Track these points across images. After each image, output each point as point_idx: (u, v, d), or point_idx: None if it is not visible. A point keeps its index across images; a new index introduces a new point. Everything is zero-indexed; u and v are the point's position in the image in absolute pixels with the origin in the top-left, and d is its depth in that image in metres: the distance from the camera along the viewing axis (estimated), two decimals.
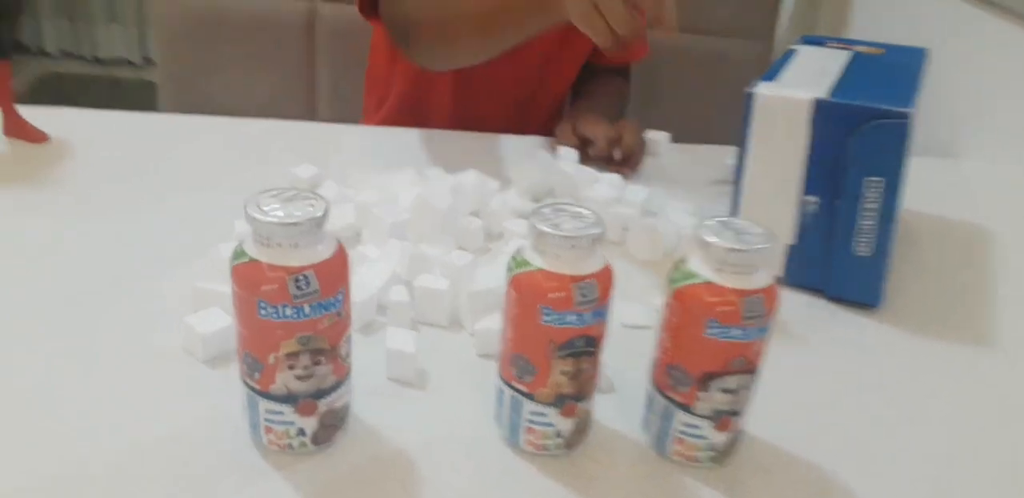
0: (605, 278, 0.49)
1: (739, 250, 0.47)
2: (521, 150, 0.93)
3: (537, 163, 0.83)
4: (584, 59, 1.12)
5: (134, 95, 2.93)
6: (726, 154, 0.85)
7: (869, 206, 0.67)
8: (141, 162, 0.87)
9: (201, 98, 1.27)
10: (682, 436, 0.52)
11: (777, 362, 0.62)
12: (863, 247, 0.68)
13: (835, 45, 0.81)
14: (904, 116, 0.64)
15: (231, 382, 0.52)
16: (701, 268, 0.49)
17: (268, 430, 0.51)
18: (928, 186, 0.89)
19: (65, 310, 0.63)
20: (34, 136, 0.89)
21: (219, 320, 0.59)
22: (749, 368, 0.50)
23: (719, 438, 0.51)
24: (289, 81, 1.30)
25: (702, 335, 0.48)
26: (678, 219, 0.80)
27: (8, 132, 0.88)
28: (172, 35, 1.28)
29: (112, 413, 0.54)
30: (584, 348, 0.49)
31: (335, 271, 0.48)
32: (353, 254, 0.71)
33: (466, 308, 0.63)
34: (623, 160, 0.91)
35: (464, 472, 0.52)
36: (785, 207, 0.70)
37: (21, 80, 2.99)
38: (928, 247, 0.83)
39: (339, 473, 0.51)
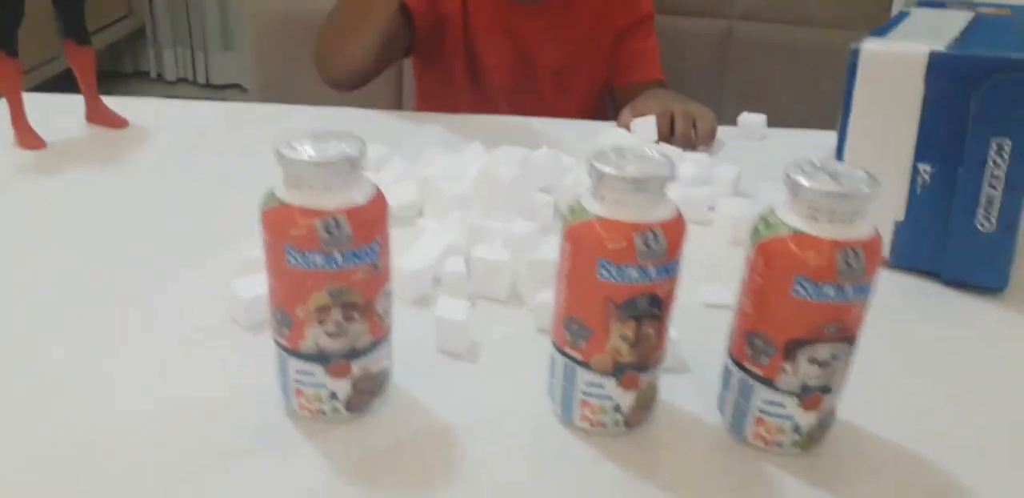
0: (675, 228, 0.43)
1: (836, 194, 0.40)
2: (596, 131, 0.87)
3: (617, 139, 0.77)
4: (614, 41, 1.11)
5: None
6: (830, 137, 0.77)
7: (995, 173, 0.58)
8: (215, 146, 0.86)
9: (293, 99, 1.26)
10: (763, 415, 0.44)
11: (885, 349, 0.54)
12: (987, 221, 0.59)
13: (956, 7, 0.72)
14: None
15: (271, 349, 0.48)
16: (790, 216, 0.42)
17: (299, 393, 0.47)
18: None
19: (124, 277, 0.61)
20: (114, 122, 0.89)
21: (263, 286, 0.55)
22: (845, 336, 0.42)
23: (806, 419, 0.44)
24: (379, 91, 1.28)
25: (789, 295, 0.41)
26: (771, 199, 0.73)
27: (91, 118, 0.89)
28: (263, 36, 1.29)
29: (149, 378, 0.51)
30: (648, 309, 0.43)
31: (371, 218, 0.44)
32: (413, 229, 0.67)
33: (525, 279, 0.58)
34: (681, 139, 0.87)
35: (511, 450, 0.46)
36: (895, 178, 0.62)
37: None
38: None
39: (374, 444, 0.46)
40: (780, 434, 0.45)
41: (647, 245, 0.42)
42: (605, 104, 1.15)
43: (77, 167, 0.79)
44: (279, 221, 0.43)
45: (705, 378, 0.51)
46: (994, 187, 0.58)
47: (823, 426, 0.45)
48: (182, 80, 3.37)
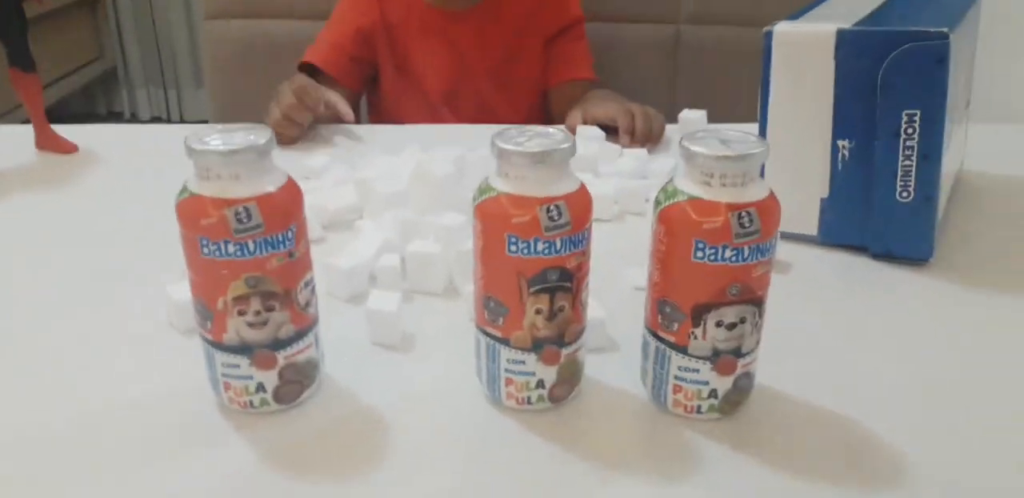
0: (579, 201, 0.44)
1: (725, 157, 0.41)
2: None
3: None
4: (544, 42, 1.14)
5: None
6: None
7: (908, 144, 0.59)
8: (162, 167, 0.87)
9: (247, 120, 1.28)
10: (679, 383, 0.45)
11: (817, 321, 0.55)
12: (906, 192, 0.61)
13: None
14: (941, 36, 0.57)
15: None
16: (686, 183, 0.43)
17: (227, 387, 0.47)
18: (991, 150, 0.80)
19: (69, 285, 0.62)
20: (63, 147, 0.90)
21: None
22: (750, 298, 0.43)
23: (722, 383, 0.45)
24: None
25: (690, 259, 0.42)
26: None
27: (40, 145, 0.90)
28: (221, 62, 1.30)
29: (85, 377, 0.52)
30: (558, 282, 0.44)
31: (282, 205, 0.45)
32: (351, 232, 0.68)
33: (459, 270, 0.58)
34: (642, 137, 0.88)
35: (441, 433, 0.47)
36: (816, 155, 0.63)
37: None
38: (989, 204, 0.74)
39: (304, 433, 0.47)
40: (698, 400, 0.45)
41: (551, 218, 0.43)
42: (546, 102, 1.17)
43: (26, 191, 0.80)
44: (191, 212, 0.44)
45: (633, 356, 0.52)
46: (909, 158, 0.60)
47: (740, 390, 0.46)
48: (156, 119, 3.39)
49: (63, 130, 0.91)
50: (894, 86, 0.59)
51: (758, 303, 0.44)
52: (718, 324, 0.43)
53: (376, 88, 1.17)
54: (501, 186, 0.44)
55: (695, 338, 0.44)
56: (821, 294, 0.61)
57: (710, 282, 0.42)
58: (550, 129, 0.45)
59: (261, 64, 1.29)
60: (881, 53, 0.58)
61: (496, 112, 1.14)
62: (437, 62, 1.12)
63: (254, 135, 0.44)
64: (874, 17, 0.63)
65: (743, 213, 0.41)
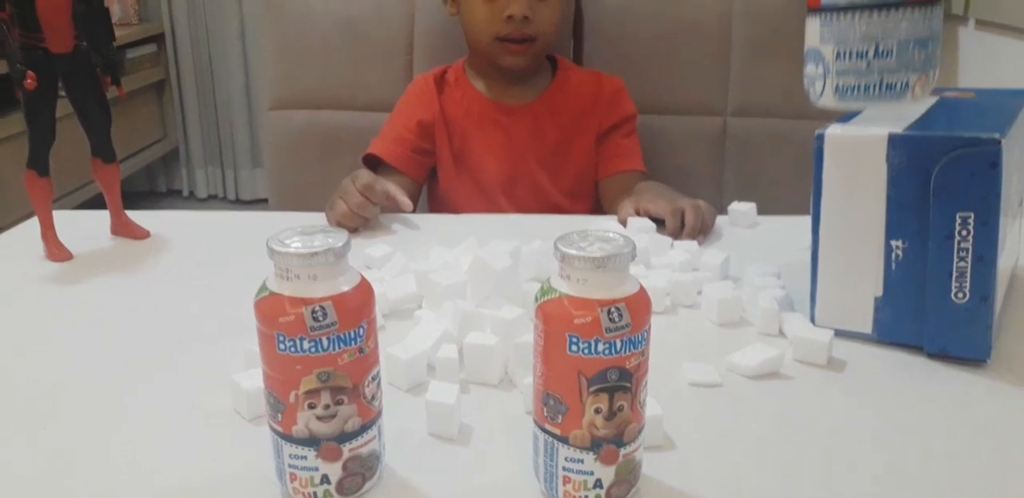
0: (638, 303, 0.45)
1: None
2: (590, 224, 0.91)
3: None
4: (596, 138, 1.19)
5: None
6: None
7: (963, 245, 0.60)
8: (229, 253, 0.91)
9: (306, 208, 1.33)
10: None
11: (872, 420, 0.55)
12: (961, 293, 0.61)
13: None
14: (993, 142, 0.59)
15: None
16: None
17: (292, 477, 0.48)
18: None
19: (136, 370, 0.65)
20: (137, 233, 0.95)
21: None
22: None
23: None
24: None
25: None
26: (758, 282, 0.75)
27: (115, 231, 0.95)
28: (281, 150, 1.36)
29: (152, 465, 0.53)
30: (618, 382, 0.45)
31: (356, 304, 0.47)
32: (411, 321, 0.70)
33: (515, 362, 0.60)
34: (691, 231, 0.90)
35: None
36: (869, 254, 0.64)
37: None
38: None
39: None
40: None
41: (612, 320, 0.44)
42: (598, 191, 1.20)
43: (100, 275, 0.84)
44: (270, 310, 0.46)
45: (690, 455, 0.53)
46: (964, 259, 0.60)
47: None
48: (213, 197, 3.51)
49: (136, 215, 0.96)
50: (947, 189, 0.60)
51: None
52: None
53: (435, 177, 1.21)
54: (563, 288, 0.45)
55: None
56: (876, 393, 0.60)
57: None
58: (610, 233, 0.47)
59: (320, 152, 1.35)
60: (933, 157, 0.60)
61: (550, 199, 1.17)
62: (494, 152, 1.16)
63: (332, 238, 0.47)
64: (924, 121, 0.65)
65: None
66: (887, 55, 0.43)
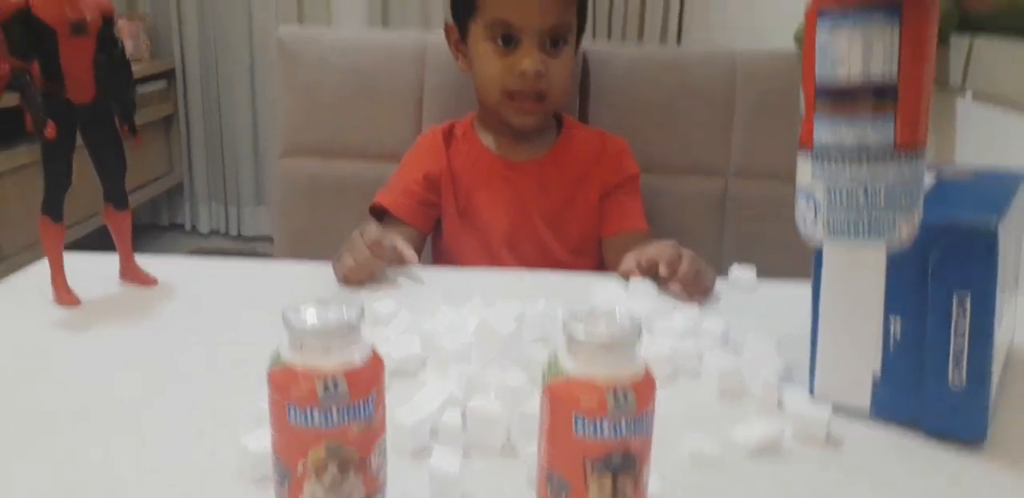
0: (644, 385, 0.46)
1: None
2: (591, 283, 0.93)
3: (610, 294, 0.82)
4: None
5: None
6: None
7: (960, 326, 0.62)
8: (237, 302, 0.92)
9: (313, 255, 1.34)
10: None
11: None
12: (958, 373, 0.62)
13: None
14: (989, 228, 0.60)
15: None
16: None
17: None
18: None
19: (140, 422, 0.65)
20: (145, 280, 0.96)
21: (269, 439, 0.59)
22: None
23: None
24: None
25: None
26: (759, 351, 0.76)
27: (124, 276, 0.96)
28: (290, 198, 1.38)
29: None
30: (622, 464, 0.46)
31: (367, 376, 0.48)
32: (415, 382, 0.71)
33: (519, 431, 0.61)
34: (690, 285, 0.91)
35: None
36: (868, 329, 0.66)
37: (175, 254, 3.29)
38: None
39: None
40: None
41: (618, 403, 0.45)
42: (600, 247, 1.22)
43: (107, 323, 0.85)
44: (283, 381, 0.47)
45: None
46: (961, 341, 0.62)
47: None
48: (215, 232, 3.53)
49: (145, 260, 0.97)
50: (944, 272, 0.61)
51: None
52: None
53: (439, 228, 1.23)
54: (570, 368, 0.47)
55: None
56: (873, 471, 0.61)
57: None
58: (617, 314, 0.48)
59: (328, 200, 1.37)
60: (931, 243, 0.61)
61: (553, 255, 1.19)
62: (498, 207, 1.18)
63: (346, 311, 0.48)
64: (924, 205, 0.67)
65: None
66: (875, 198, 0.45)
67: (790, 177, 1.32)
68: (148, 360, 0.77)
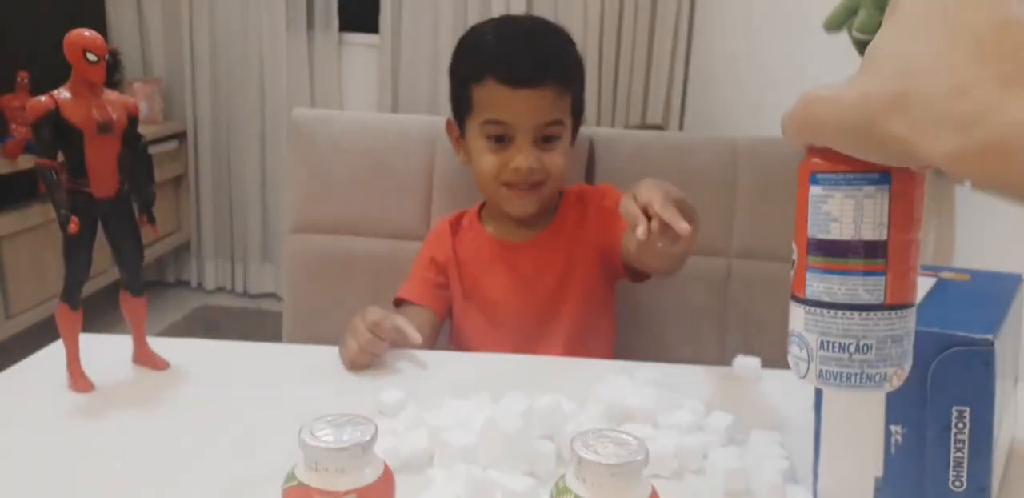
0: None
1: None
2: (601, 372, 0.94)
3: (615, 386, 0.83)
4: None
5: (273, 324, 3.17)
6: None
7: (960, 437, 0.63)
8: (248, 387, 0.93)
9: (322, 330, 1.36)
10: None
11: None
12: (958, 482, 0.63)
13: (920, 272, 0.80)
14: (985, 343, 0.62)
15: None
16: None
17: None
18: None
19: None
20: (157, 364, 0.97)
21: None
22: None
23: None
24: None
25: None
26: (763, 449, 0.77)
27: (137, 360, 0.98)
28: (300, 272, 1.41)
29: None
30: None
31: (379, 495, 0.49)
32: (422, 478, 0.72)
33: None
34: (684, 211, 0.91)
35: None
36: (870, 437, 0.67)
37: (180, 311, 3.30)
38: None
39: None
40: None
41: None
42: (607, 299, 1.24)
43: (121, 408, 0.86)
44: None
45: None
46: (960, 450, 0.63)
47: None
48: (220, 289, 3.55)
49: (157, 342, 0.99)
50: (943, 384, 0.63)
51: None
52: None
53: (452, 312, 1.26)
54: (578, 490, 0.48)
55: None
56: None
57: None
58: (625, 436, 0.50)
59: (337, 274, 1.39)
60: (929, 354, 0.63)
61: (558, 329, 1.20)
62: (499, 287, 1.21)
63: (361, 430, 0.49)
64: (921, 313, 0.68)
65: None
66: (867, 350, 0.47)
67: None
68: (160, 448, 0.78)
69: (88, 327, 0.92)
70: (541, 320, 1.22)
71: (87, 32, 0.85)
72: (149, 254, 3.20)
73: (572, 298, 1.23)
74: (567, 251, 1.22)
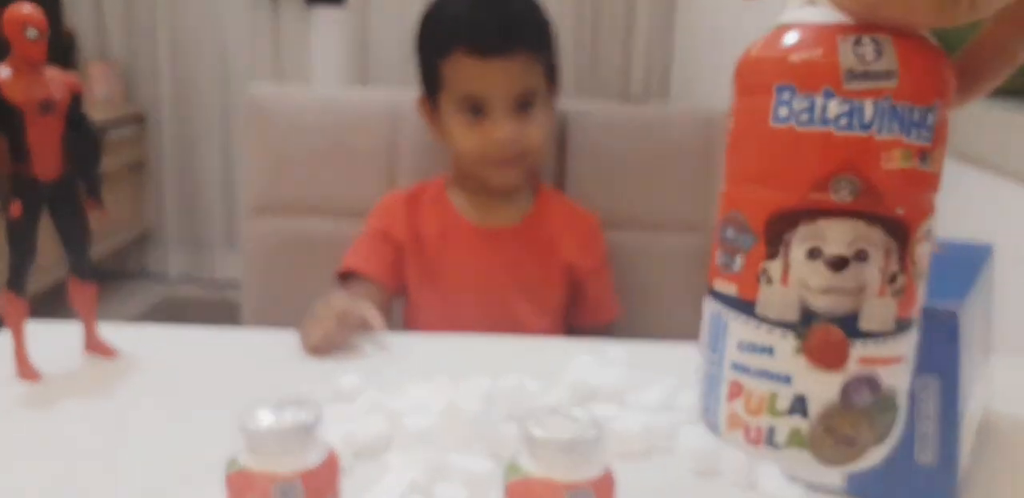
0: (604, 486, 0.46)
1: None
2: (568, 351, 0.92)
3: (582, 365, 0.82)
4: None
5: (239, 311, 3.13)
6: None
7: (925, 410, 0.61)
8: (200, 372, 0.91)
9: (284, 314, 1.33)
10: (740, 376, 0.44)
11: None
12: (926, 454, 0.62)
13: None
14: (950, 316, 0.61)
15: None
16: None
17: None
18: (1014, 385, 0.82)
19: None
20: (106, 352, 0.94)
21: None
22: None
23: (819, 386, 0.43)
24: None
25: None
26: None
27: (88, 347, 0.95)
28: (258, 255, 1.38)
29: None
30: None
31: (323, 480, 0.47)
32: (378, 464, 0.70)
33: None
34: None
35: None
36: None
37: (143, 302, 3.25)
38: (1012, 453, 0.74)
39: None
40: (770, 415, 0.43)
41: None
42: (561, 306, 1.23)
43: (69, 397, 0.83)
44: (240, 485, 0.46)
45: None
46: (928, 423, 0.61)
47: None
48: (185, 278, 3.50)
49: (110, 329, 0.96)
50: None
51: None
52: None
53: (404, 292, 1.22)
54: (530, 468, 0.46)
55: None
56: None
57: None
58: (578, 412, 0.48)
59: (298, 257, 1.36)
60: None
61: (521, 319, 1.18)
62: (468, 275, 1.18)
63: (304, 413, 0.47)
64: None
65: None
66: None
67: None
68: (108, 437, 0.75)
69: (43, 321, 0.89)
70: (506, 310, 1.20)
71: (26, 7, 0.81)
72: (109, 243, 3.17)
73: (541, 292, 1.21)
74: (542, 252, 1.20)
